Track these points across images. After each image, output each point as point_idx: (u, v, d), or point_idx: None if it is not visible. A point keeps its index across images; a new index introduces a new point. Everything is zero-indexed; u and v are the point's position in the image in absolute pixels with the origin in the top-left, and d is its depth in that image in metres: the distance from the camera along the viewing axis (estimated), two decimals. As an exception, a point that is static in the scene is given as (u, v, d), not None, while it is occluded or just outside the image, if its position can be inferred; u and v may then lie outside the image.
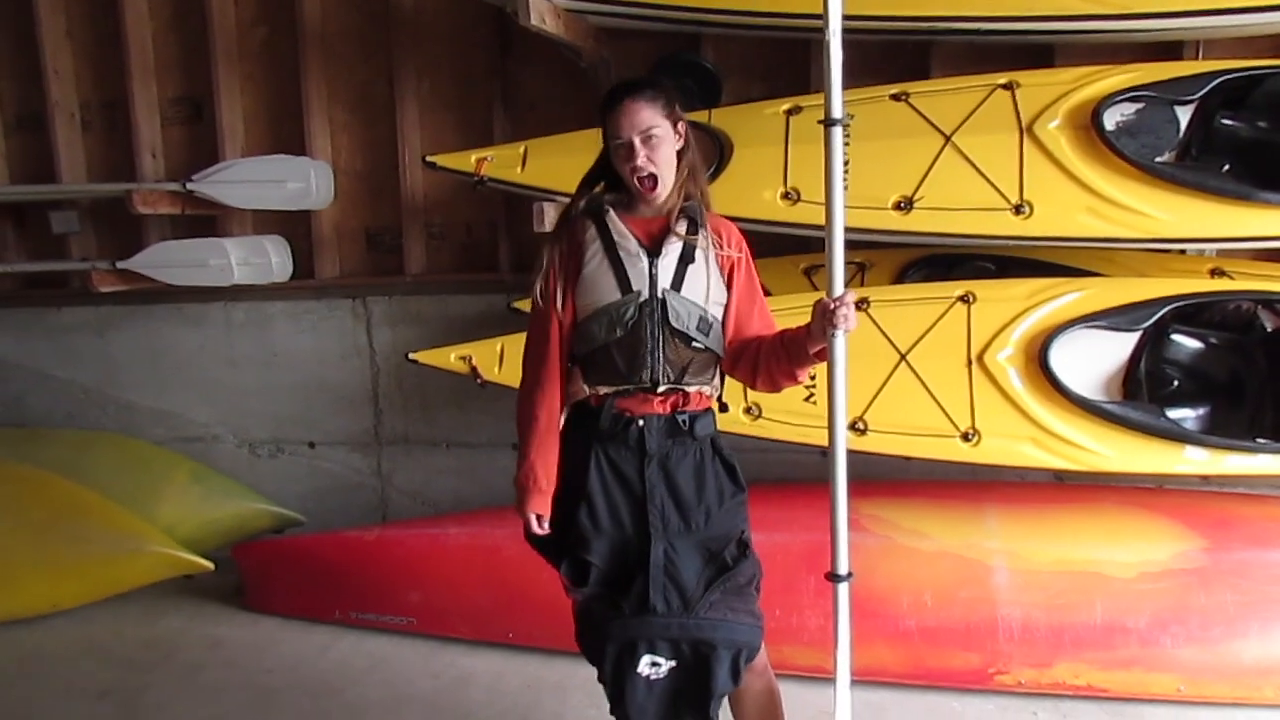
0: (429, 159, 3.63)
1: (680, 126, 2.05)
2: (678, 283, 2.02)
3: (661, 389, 2.02)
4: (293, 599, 3.72)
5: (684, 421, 2.05)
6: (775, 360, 2.04)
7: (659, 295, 2.00)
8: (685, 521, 2.04)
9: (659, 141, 1.99)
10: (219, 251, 4.06)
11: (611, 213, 2.05)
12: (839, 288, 1.95)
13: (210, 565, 3.51)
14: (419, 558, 3.47)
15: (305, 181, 4.08)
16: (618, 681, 2.03)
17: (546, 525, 2.09)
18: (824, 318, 1.92)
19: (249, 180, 4.03)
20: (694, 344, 2.03)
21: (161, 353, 4.53)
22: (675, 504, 2.04)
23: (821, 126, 1.95)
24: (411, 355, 3.51)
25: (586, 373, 2.06)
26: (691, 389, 2.06)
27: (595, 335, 2.03)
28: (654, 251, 2.02)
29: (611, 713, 2.10)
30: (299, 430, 4.45)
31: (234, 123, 4.30)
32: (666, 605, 1.99)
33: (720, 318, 2.08)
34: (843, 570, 2.04)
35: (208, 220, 4.30)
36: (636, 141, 1.97)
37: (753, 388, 2.14)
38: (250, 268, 4.11)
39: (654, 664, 2.00)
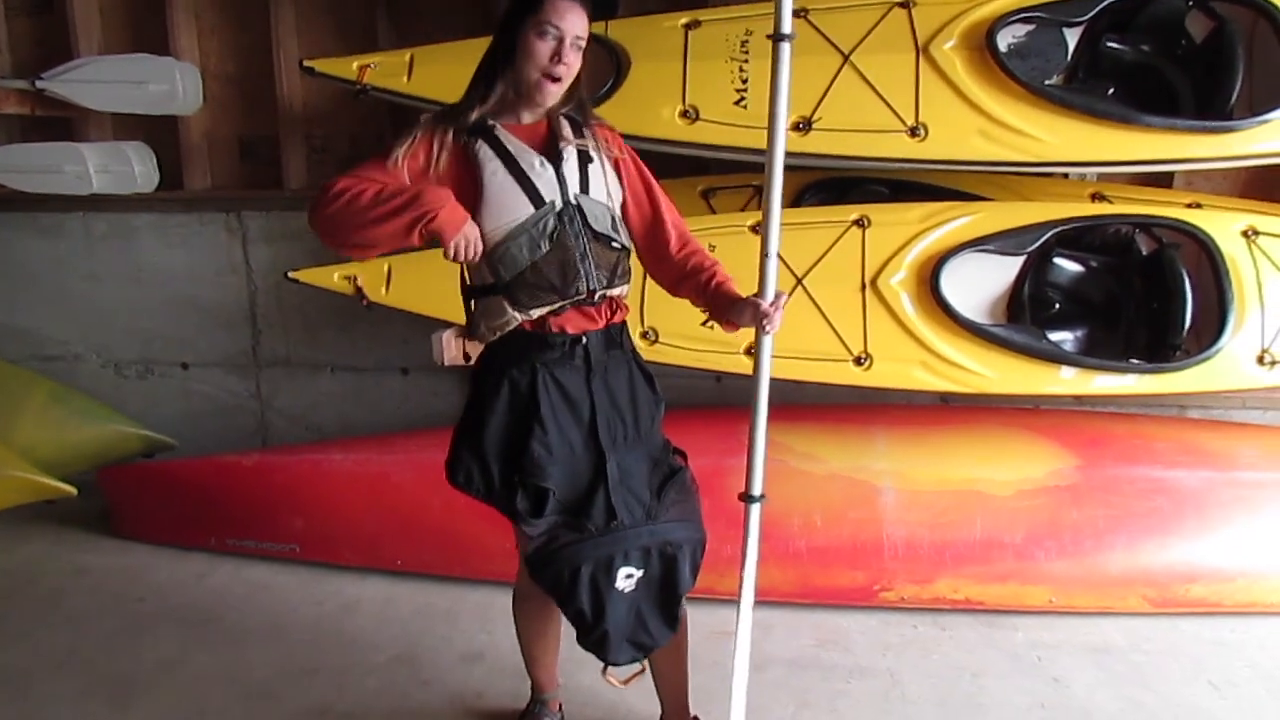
0: (307, 64, 3.39)
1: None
2: (585, 186, 1.97)
3: (598, 295, 1.99)
4: (165, 525, 3.55)
5: (616, 334, 2.06)
6: (705, 309, 2.09)
7: (573, 200, 1.95)
8: (627, 433, 2.06)
9: (578, 54, 1.93)
10: (75, 157, 3.75)
11: (499, 127, 1.96)
12: (771, 294, 1.97)
13: (72, 490, 3.27)
14: (302, 483, 3.34)
15: (170, 84, 3.79)
16: (597, 601, 1.99)
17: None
18: (753, 319, 1.96)
19: (107, 80, 3.71)
20: (614, 244, 2.01)
21: (13, 265, 4.20)
22: (619, 417, 2.05)
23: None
24: (291, 274, 3.31)
25: (515, 298, 1.96)
26: (616, 292, 2.04)
27: (519, 258, 1.93)
28: (554, 159, 1.96)
29: (582, 639, 2.05)
30: (170, 350, 4.21)
31: (88, 16, 3.94)
32: (631, 516, 2.00)
33: (621, 215, 2.06)
34: (757, 491, 2.09)
35: (62, 123, 3.98)
36: (568, 40, 1.89)
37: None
38: (110, 176, 3.82)
39: (629, 575, 2.00)
